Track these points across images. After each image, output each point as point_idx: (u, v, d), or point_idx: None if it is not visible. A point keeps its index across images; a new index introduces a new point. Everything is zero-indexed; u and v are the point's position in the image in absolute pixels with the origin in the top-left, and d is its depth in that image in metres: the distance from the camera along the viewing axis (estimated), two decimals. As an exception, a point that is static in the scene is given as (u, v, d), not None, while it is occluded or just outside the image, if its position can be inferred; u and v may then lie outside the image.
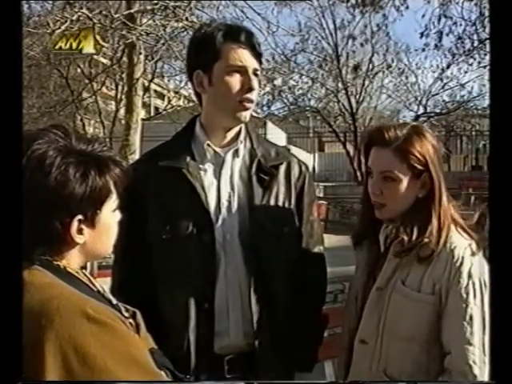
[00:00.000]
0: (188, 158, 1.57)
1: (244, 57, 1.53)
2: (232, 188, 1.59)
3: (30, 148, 0.97)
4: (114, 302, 1.08)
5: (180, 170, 1.54)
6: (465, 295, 1.36)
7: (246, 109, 1.56)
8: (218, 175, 1.59)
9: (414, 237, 1.41)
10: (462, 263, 1.37)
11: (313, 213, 1.71)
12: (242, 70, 1.53)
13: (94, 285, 1.07)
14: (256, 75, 1.55)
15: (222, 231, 1.55)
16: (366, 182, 1.51)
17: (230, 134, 1.61)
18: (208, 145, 1.59)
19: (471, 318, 1.35)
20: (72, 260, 1.04)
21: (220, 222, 1.55)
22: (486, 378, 1.32)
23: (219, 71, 1.53)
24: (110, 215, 1.06)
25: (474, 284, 1.36)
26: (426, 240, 1.39)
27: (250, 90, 1.54)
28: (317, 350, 1.72)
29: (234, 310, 1.55)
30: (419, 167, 1.42)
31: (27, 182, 0.95)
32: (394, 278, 1.44)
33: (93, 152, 1.03)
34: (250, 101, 1.56)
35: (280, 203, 1.61)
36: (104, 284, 1.18)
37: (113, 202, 1.06)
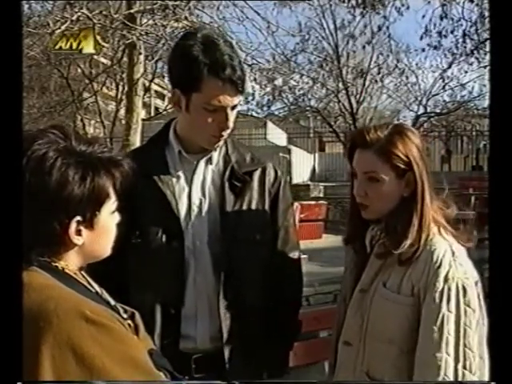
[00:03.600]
0: (160, 165, 1.57)
1: (225, 96, 1.48)
2: (203, 194, 1.59)
3: (30, 149, 0.97)
4: (113, 303, 1.08)
5: (151, 177, 1.54)
6: (438, 300, 1.33)
7: (219, 141, 1.56)
8: (189, 182, 1.58)
9: (395, 239, 1.40)
10: (439, 266, 1.35)
11: (288, 218, 1.70)
12: (221, 109, 1.49)
13: (92, 286, 1.07)
14: (234, 108, 1.52)
15: (192, 237, 1.55)
16: (352, 183, 1.51)
17: None
18: (180, 152, 1.59)
19: (442, 323, 1.32)
20: (70, 261, 1.03)
21: (190, 228, 1.55)
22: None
23: (197, 103, 1.50)
24: (109, 217, 1.06)
25: (449, 289, 1.33)
26: (407, 242, 1.38)
27: (226, 128, 1.53)
28: (287, 356, 1.73)
29: (202, 316, 1.55)
30: (402, 166, 1.41)
31: (26, 182, 0.95)
32: (376, 280, 1.43)
33: (92, 153, 1.03)
34: (224, 136, 1.55)
35: (252, 210, 1.61)
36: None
37: (112, 203, 1.06)
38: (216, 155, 1.62)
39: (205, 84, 1.47)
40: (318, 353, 2.83)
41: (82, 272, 1.08)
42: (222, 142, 1.59)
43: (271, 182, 1.66)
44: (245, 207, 1.59)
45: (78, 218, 1.00)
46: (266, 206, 1.64)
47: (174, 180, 1.58)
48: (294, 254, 1.72)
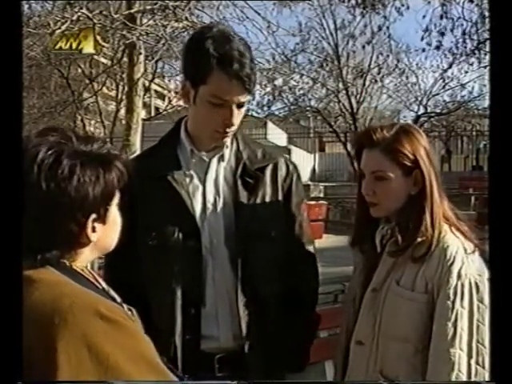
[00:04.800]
0: (173, 165, 1.57)
1: (231, 91, 1.46)
2: (217, 192, 1.58)
3: (39, 158, 0.96)
4: (118, 300, 1.09)
5: (165, 178, 1.54)
6: (452, 296, 1.35)
7: (224, 137, 1.55)
8: (203, 180, 1.58)
9: (408, 236, 1.41)
10: (452, 263, 1.37)
11: (302, 213, 1.69)
12: (226, 104, 1.48)
13: (99, 282, 1.08)
14: (241, 106, 1.51)
15: (209, 236, 1.54)
16: (359, 183, 1.52)
17: None
18: (192, 150, 1.59)
19: (455, 319, 1.34)
20: (83, 258, 1.05)
21: (206, 227, 1.55)
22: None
23: (204, 95, 1.49)
24: (115, 208, 1.08)
25: (462, 285, 1.35)
26: (420, 239, 1.39)
27: (230, 125, 1.52)
28: (308, 351, 1.72)
29: (223, 315, 1.54)
30: (409, 164, 1.43)
31: (41, 191, 0.95)
32: (388, 278, 1.44)
33: (93, 151, 1.03)
34: (229, 132, 1.54)
35: (266, 205, 1.60)
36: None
37: (117, 195, 1.07)
38: (228, 152, 1.61)
39: (212, 77, 1.46)
40: (318, 353, 2.83)
41: (89, 269, 1.08)
42: (228, 139, 1.58)
43: (283, 176, 1.65)
44: (259, 203, 1.58)
45: (94, 215, 1.02)
46: (280, 201, 1.63)
47: (188, 179, 1.57)
48: (310, 248, 1.72)
